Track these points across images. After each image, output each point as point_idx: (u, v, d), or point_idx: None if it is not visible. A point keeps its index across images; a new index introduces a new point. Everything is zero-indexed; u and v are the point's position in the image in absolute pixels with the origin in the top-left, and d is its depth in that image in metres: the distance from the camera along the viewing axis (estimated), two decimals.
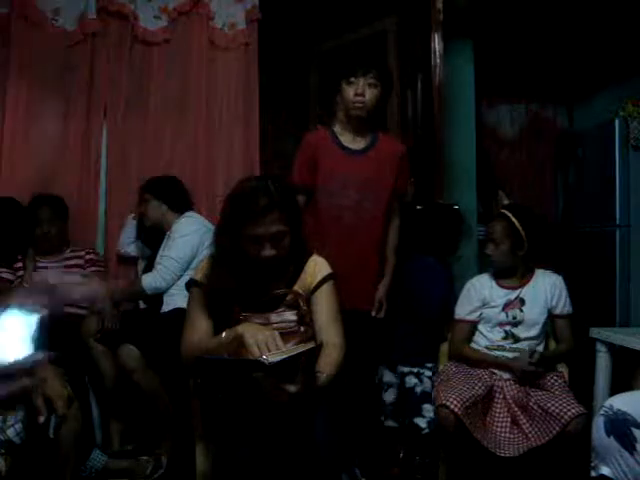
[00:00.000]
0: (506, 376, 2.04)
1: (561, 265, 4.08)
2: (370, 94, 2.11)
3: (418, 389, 2.24)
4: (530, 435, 1.89)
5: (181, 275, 2.42)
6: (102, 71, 2.84)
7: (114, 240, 2.85)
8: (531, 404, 1.95)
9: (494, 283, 2.18)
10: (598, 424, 1.44)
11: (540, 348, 2.11)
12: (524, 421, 1.93)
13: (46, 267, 2.54)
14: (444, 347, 2.27)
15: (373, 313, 2.16)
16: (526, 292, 2.14)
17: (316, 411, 1.46)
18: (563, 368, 2.13)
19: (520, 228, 2.10)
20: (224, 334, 1.50)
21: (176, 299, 2.37)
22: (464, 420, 1.86)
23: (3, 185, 2.65)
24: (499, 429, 1.95)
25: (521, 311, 2.11)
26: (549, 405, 1.89)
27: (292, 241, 1.61)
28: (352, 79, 2.11)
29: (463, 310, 2.19)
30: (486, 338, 2.15)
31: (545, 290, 2.14)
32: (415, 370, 2.27)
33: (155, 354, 2.24)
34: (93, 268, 2.63)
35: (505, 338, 2.12)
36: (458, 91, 3.12)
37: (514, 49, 3.88)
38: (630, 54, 3.65)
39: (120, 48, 2.86)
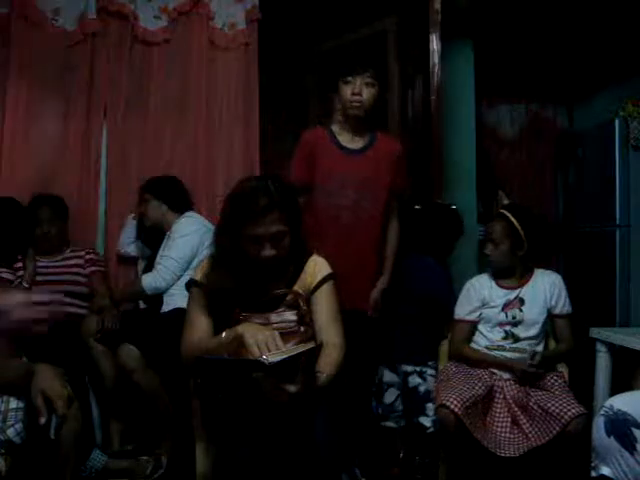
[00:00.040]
0: (506, 376, 2.05)
1: (561, 265, 4.10)
2: (367, 93, 2.11)
3: (421, 388, 2.24)
4: (530, 435, 1.89)
5: (181, 275, 2.42)
6: (102, 71, 2.84)
7: (114, 240, 2.85)
8: (531, 404, 1.95)
9: (493, 283, 2.19)
10: (598, 424, 1.44)
11: (540, 348, 2.12)
12: (524, 421, 1.93)
13: (46, 267, 2.54)
14: (444, 347, 2.27)
15: (369, 312, 2.16)
16: (525, 292, 2.14)
17: (316, 411, 1.46)
18: (563, 368, 2.14)
19: (519, 228, 2.10)
20: (224, 334, 1.50)
21: (176, 299, 2.37)
22: (464, 420, 1.86)
23: (3, 185, 2.65)
24: (499, 429, 1.95)
25: (521, 311, 2.11)
26: (549, 405, 1.89)
27: (292, 241, 1.61)
28: (349, 78, 2.11)
29: (463, 310, 2.19)
30: (486, 338, 2.15)
31: (544, 290, 2.14)
32: (418, 369, 2.27)
33: (155, 354, 2.24)
34: (93, 268, 2.63)
35: (505, 338, 2.12)
36: (458, 91, 3.12)
37: (514, 49, 3.88)
38: (630, 54, 3.65)
39: (120, 48, 2.86)
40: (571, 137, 4.20)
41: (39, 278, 2.48)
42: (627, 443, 1.39)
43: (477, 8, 3.18)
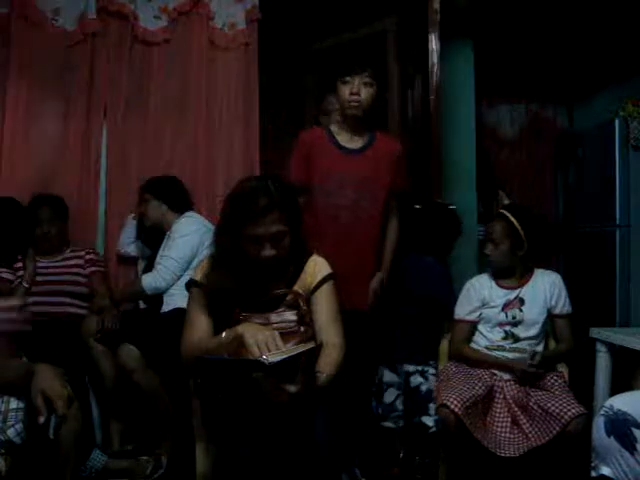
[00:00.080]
0: (506, 377, 2.05)
1: (561, 265, 4.10)
2: (366, 93, 2.11)
3: (423, 387, 2.24)
4: (530, 435, 1.89)
5: (181, 275, 2.42)
6: (102, 71, 2.84)
7: (114, 240, 2.84)
8: (531, 404, 1.95)
9: (493, 283, 2.19)
10: (598, 424, 1.44)
11: (540, 348, 2.12)
12: (524, 421, 1.93)
13: (46, 267, 2.54)
14: (444, 347, 2.27)
15: (369, 302, 2.15)
16: (525, 292, 2.14)
17: (316, 411, 1.46)
18: (563, 368, 2.14)
19: (519, 228, 2.10)
20: (224, 334, 1.50)
21: (176, 299, 2.37)
22: (464, 420, 1.86)
23: (3, 185, 2.64)
24: (499, 429, 1.95)
25: (520, 311, 2.11)
26: (549, 405, 1.89)
27: (292, 241, 1.61)
28: (347, 78, 2.11)
29: (463, 310, 2.19)
30: (486, 338, 2.15)
31: (544, 290, 2.14)
32: (420, 368, 2.27)
33: (155, 354, 2.24)
34: (93, 268, 2.63)
35: (505, 338, 2.12)
36: (458, 91, 3.12)
37: (514, 49, 3.88)
38: (630, 54, 3.65)
39: (120, 48, 2.86)
40: (571, 137, 4.20)
41: (39, 278, 2.48)
42: (627, 443, 1.39)
43: (477, 8, 3.18)
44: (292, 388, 1.35)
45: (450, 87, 3.01)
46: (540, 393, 1.98)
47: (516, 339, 2.11)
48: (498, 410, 1.99)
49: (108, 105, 2.87)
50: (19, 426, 1.51)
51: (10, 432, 1.49)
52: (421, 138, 2.83)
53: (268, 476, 1.45)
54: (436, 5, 2.66)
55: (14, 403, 1.52)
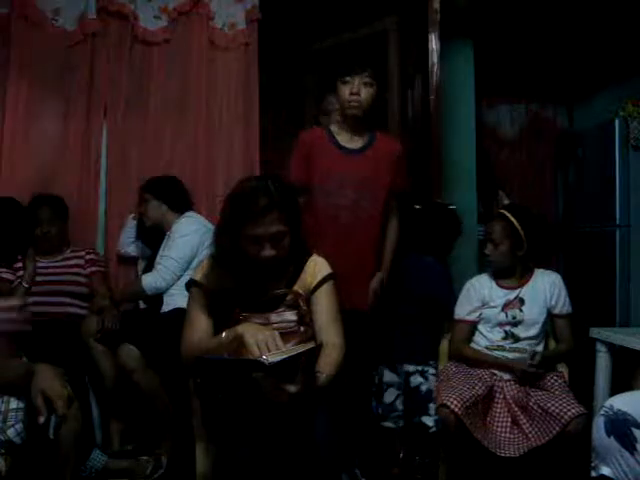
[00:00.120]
0: (506, 377, 2.04)
1: (561, 265, 4.10)
2: (366, 93, 2.10)
3: (423, 387, 2.24)
4: (530, 435, 1.89)
5: (181, 275, 2.42)
6: (102, 71, 2.84)
7: (114, 240, 2.84)
8: (531, 404, 1.95)
9: (493, 283, 2.19)
10: (598, 424, 1.44)
11: (540, 348, 2.12)
12: (524, 421, 1.93)
13: (46, 267, 2.54)
14: (444, 347, 2.27)
15: (368, 302, 2.15)
16: (525, 292, 2.14)
17: (316, 411, 1.46)
18: (563, 368, 2.14)
19: (519, 228, 2.10)
20: (224, 334, 1.50)
21: (176, 299, 2.37)
22: (464, 420, 1.86)
23: (3, 185, 2.64)
24: (499, 429, 1.95)
25: (520, 311, 2.11)
26: (549, 405, 1.89)
27: (292, 241, 1.61)
28: (347, 78, 2.11)
29: (463, 310, 2.19)
30: (486, 338, 2.15)
31: (544, 289, 2.14)
32: (420, 368, 2.27)
33: (155, 354, 2.24)
34: (93, 268, 2.63)
35: (505, 338, 2.12)
36: (458, 91, 3.12)
37: (514, 49, 3.88)
38: (630, 54, 3.65)
39: (120, 48, 2.86)
40: (571, 137, 4.20)
41: (39, 278, 2.47)
42: (627, 443, 1.39)
43: (477, 8, 3.18)
44: (292, 388, 1.35)
45: (450, 87, 3.01)
46: (540, 393, 1.98)
47: (516, 339, 2.11)
48: (498, 410, 1.99)
49: (108, 105, 2.86)
50: (19, 426, 1.51)
51: (10, 432, 1.49)
52: (421, 138, 2.83)
53: (268, 476, 1.45)
54: (436, 5, 2.66)
55: (14, 403, 1.52)
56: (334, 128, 2.23)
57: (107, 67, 2.85)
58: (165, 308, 2.44)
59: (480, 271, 2.37)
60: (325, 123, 2.63)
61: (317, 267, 1.70)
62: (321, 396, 1.47)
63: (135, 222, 2.76)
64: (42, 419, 1.44)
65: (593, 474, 1.47)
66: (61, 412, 1.47)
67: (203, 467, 1.69)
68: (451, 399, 1.88)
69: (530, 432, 1.90)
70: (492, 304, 2.14)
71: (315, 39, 3.24)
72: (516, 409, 1.96)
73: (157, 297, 2.47)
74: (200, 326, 1.62)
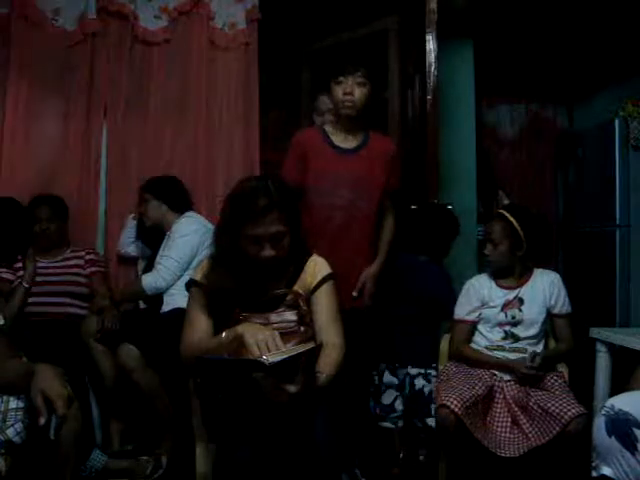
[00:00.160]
0: (506, 377, 2.04)
1: (561, 265, 4.10)
2: (359, 93, 2.10)
3: (426, 389, 2.24)
4: (530, 435, 1.89)
5: (181, 275, 2.42)
6: (102, 71, 2.84)
7: (114, 240, 2.84)
8: (531, 404, 1.95)
9: (493, 283, 2.18)
10: (599, 424, 1.44)
11: (540, 347, 2.12)
12: (524, 421, 1.92)
13: (46, 267, 2.54)
14: (444, 347, 2.27)
15: (354, 293, 2.13)
16: (525, 292, 2.14)
17: (316, 411, 1.46)
18: (563, 368, 2.13)
19: (519, 228, 2.09)
20: (224, 334, 1.50)
21: (176, 299, 2.36)
22: (464, 420, 1.86)
23: (3, 185, 2.64)
24: (499, 429, 1.94)
25: (520, 311, 2.11)
26: (549, 405, 1.89)
27: (292, 241, 1.61)
28: (341, 79, 2.11)
29: (462, 310, 2.19)
30: (486, 338, 2.15)
31: (544, 289, 2.14)
32: (422, 371, 2.27)
33: (155, 354, 2.24)
34: (93, 268, 2.63)
35: (505, 338, 2.12)
36: (458, 91, 3.12)
37: (514, 49, 3.88)
38: (630, 54, 3.65)
39: (120, 48, 2.86)
40: (571, 137, 4.20)
41: (39, 278, 2.48)
42: (628, 443, 1.39)
43: (477, 8, 3.18)
44: (292, 388, 1.35)
45: (450, 87, 3.01)
46: (540, 393, 1.98)
47: (516, 339, 2.11)
48: (498, 410, 1.99)
49: (108, 105, 2.86)
50: (18, 426, 1.51)
51: (10, 432, 1.49)
52: (420, 138, 2.83)
53: (268, 476, 1.45)
54: (433, 5, 2.65)
55: (13, 403, 1.52)
56: (328, 128, 2.23)
57: (107, 67, 2.85)
58: (165, 308, 2.44)
59: (480, 271, 2.36)
60: (319, 123, 2.63)
61: (317, 267, 1.70)
62: (321, 396, 1.47)
63: (135, 222, 2.76)
64: (43, 420, 1.44)
65: (594, 474, 1.47)
66: (61, 412, 1.47)
67: (203, 467, 1.69)
68: (451, 399, 1.88)
69: (530, 432, 1.89)
70: (491, 304, 2.14)
71: (315, 39, 3.23)
72: (516, 409, 1.96)
73: (157, 297, 2.47)
74: (200, 326, 1.62)
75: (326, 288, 1.68)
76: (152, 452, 2.22)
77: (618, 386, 1.96)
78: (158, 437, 2.30)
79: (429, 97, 2.68)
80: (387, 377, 2.32)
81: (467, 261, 2.95)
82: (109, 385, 2.33)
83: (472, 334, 2.18)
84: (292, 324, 1.66)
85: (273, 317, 1.65)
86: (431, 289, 2.33)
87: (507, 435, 1.93)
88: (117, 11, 2.82)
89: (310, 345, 1.48)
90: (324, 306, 1.67)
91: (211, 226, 2.34)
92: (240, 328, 1.47)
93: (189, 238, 2.45)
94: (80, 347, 2.32)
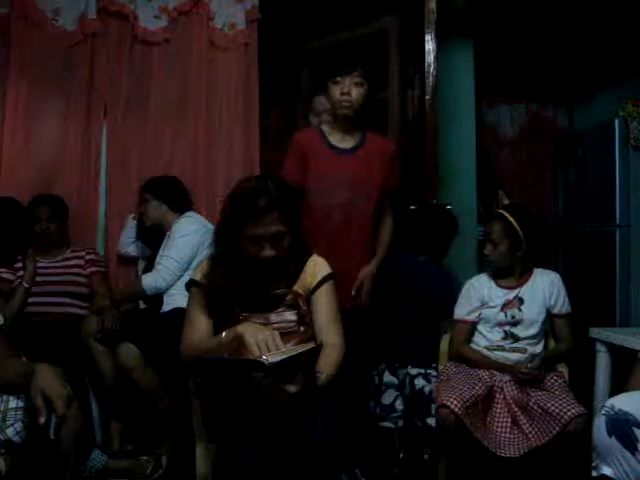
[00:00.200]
0: (506, 377, 2.04)
1: (561, 265, 4.10)
2: (356, 93, 2.10)
3: (427, 389, 2.24)
4: (530, 435, 1.89)
5: (181, 275, 2.42)
6: (102, 71, 2.84)
7: (114, 240, 2.84)
8: (531, 404, 1.95)
9: (493, 283, 2.18)
10: (599, 424, 1.44)
11: (539, 347, 2.12)
12: (524, 421, 1.92)
13: (46, 267, 2.54)
14: (444, 347, 2.27)
15: (352, 292, 2.13)
16: (525, 291, 2.14)
17: (316, 411, 1.46)
18: (563, 368, 2.13)
19: (518, 228, 2.09)
20: (224, 334, 1.50)
21: (176, 299, 2.36)
22: (464, 420, 1.86)
23: (3, 185, 2.64)
24: (499, 429, 1.94)
25: (520, 310, 2.11)
26: (549, 405, 1.89)
27: (292, 241, 1.61)
28: (338, 79, 2.11)
29: (462, 310, 2.19)
30: (486, 338, 2.15)
31: (544, 289, 2.14)
32: (422, 371, 2.27)
33: (155, 354, 2.24)
34: (93, 268, 2.63)
35: (504, 338, 2.12)
36: (458, 91, 3.12)
37: (514, 49, 3.88)
38: (630, 54, 3.65)
39: (120, 48, 2.86)
40: (571, 137, 4.20)
41: (39, 278, 2.48)
42: (628, 443, 1.39)
43: (477, 8, 3.18)
44: (292, 388, 1.35)
45: (450, 87, 3.00)
46: (540, 393, 1.98)
47: (516, 339, 2.11)
48: (498, 410, 1.99)
49: (108, 105, 2.86)
50: (18, 425, 1.51)
51: (9, 431, 1.49)
52: (420, 138, 2.83)
53: (268, 476, 1.45)
54: (432, 5, 2.65)
55: (13, 402, 1.52)
56: (325, 128, 2.23)
57: (107, 67, 2.85)
58: (165, 308, 2.44)
59: (480, 271, 2.36)
60: (315, 123, 2.63)
61: (317, 267, 1.70)
62: (321, 396, 1.47)
63: (135, 222, 2.76)
64: (42, 420, 1.44)
65: (594, 474, 1.47)
66: (61, 412, 1.47)
67: (203, 467, 1.68)
68: (451, 399, 1.88)
69: (530, 432, 1.89)
70: (491, 304, 2.14)
71: (314, 39, 3.23)
72: (516, 409, 1.96)
73: (157, 297, 2.47)
74: (200, 326, 1.62)
75: (326, 288, 1.68)
76: (152, 452, 2.22)
77: (618, 386, 1.96)
78: (158, 437, 2.30)
79: (428, 97, 2.68)
80: (387, 377, 2.32)
81: (467, 261, 2.94)
82: (109, 385, 2.33)
83: (472, 334, 2.18)
84: (292, 324, 1.66)
85: (273, 317, 1.65)
86: (431, 289, 2.33)
87: (507, 435, 1.93)
88: (117, 11, 2.82)
89: (310, 345, 1.48)
90: (324, 306, 1.67)
91: (211, 226, 2.34)
92: (240, 328, 1.47)
93: (189, 238, 2.45)
94: (80, 347, 2.32)
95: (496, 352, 2.11)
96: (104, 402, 2.39)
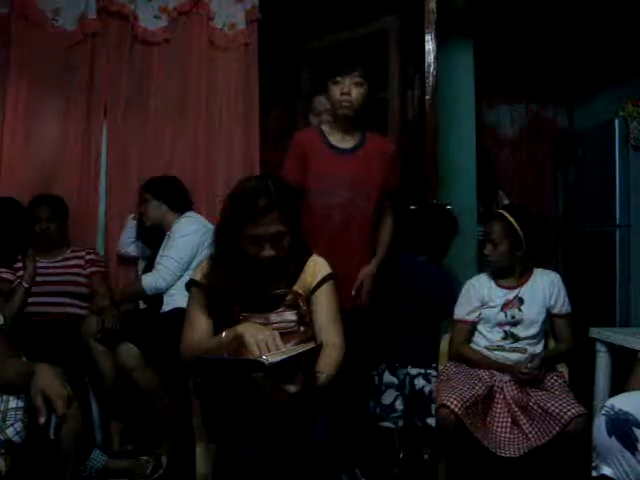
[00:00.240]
0: (506, 377, 2.04)
1: (561, 265, 4.10)
2: (356, 93, 2.10)
3: (427, 389, 2.24)
4: (530, 435, 1.89)
5: (181, 275, 2.42)
6: (102, 71, 2.84)
7: (114, 240, 2.84)
8: (531, 404, 1.95)
9: (493, 283, 2.18)
10: (599, 424, 1.44)
11: (539, 347, 2.12)
12: (524, 421, 1.92)
13: (46, 267, 2.54)
14: (444, 347, 2.27)
15: (352, 292, 2.13)
16: (524, 291, 2.14)
17: (316, 411, 1.46)
18: (563, 368, 2.13)
19: (518, 228, 2.09)
20: (224, 334, 1.50)
21: (176, 299, 2.36)
22: (464, 420, 1.86)
23: (3, 185, 2.64)
24: (499, 429, 1.94)
25: (520, 310, 2.11)
26: (549, 405, 1.89)
27: (292, 241, 1.61)
28: (338, 79, 2.11)
29: (462, 310, 2.19)
30: (486, 338, 2.15)
31: (544, 289, 2.14)
32: (422, 371, 2.27)
33: (155, 354, 2.24)
34: (93, 268, 2.63)
35: (504, 338, 2.12)
36: (457, 91, 3.12)
37: (514, 49, 3.88)
38: (630, 54, 3.65)
39: (120, 48, 2.86)
40: (571, 137, 4.20)
41: (39, 278, 2.48)
42: (628, 443, 1.39)
43: (477, 8, 3.18)
44: (292, 388, 1.35)
45: (450, 87, 3.00)
46: (540, 393, 1.98)
47: (516, 339, 2.11)
48: (498, 410, 1.99)
49: (108, 105, 2.86)
50: (18, 425, 1.51)
51: (9, 431, 1.49)
52: (420, 138, 2.83)
53: (268, 476, 1.45)
54: (432, 5, 2.65)
55: (13, 402, 1.52)
56: (325, 128, 2.23)
57: (107, 67, 2.85)
58: (165, 308, 2.44)
59: (480, 271, 2.36)
60: (315, 123, 2.63)
61: (317, 267, 1.70)
62: (321, 396, 1.47)
63: (135, 222, 2.76)
64: (42, 420, 1.44)
65: (594, 474, 1.47)
66: (61, 412, 1.47)
67: (203, 467, 1.68)
68: (451, 399, 1.88)
69: (530, 432, 1.89)
70: (491, 304, 2.14)
71: (314, 39, 3.23)
72: (516, 409, 1.96)
73: (157, 297, 2.47)
74: (200, 326, 1.62)
75: (326, 288, 1.68)
76: (152, 452, 2.22)
77: (618, 386, 1.96)
78: (158, 437, 2.30)
79: (428, 97, 2.68)
80: (387, 377, 2.32)
81: (467, 261, 2.94)
82: (109, 385, 2.33)
83: (472, 334, 2.18)
84: (292, 324, 1.66)
85: (273, 317, 1.65)
86: (431, 289, 2.33)
87: (507, 435, 1.93)
88: (117, 11, 2.82)
89: (310, 345, 1.49)
90: (324, 306, 1.67)
91: (211, 226, 2.34)
92: (240, 328, 1.47)
93: (189, 238, 2.45)
94: (80, 347, 2.32)
95: (496, 352, 2.11)
96: (104, 402, 2.39)
